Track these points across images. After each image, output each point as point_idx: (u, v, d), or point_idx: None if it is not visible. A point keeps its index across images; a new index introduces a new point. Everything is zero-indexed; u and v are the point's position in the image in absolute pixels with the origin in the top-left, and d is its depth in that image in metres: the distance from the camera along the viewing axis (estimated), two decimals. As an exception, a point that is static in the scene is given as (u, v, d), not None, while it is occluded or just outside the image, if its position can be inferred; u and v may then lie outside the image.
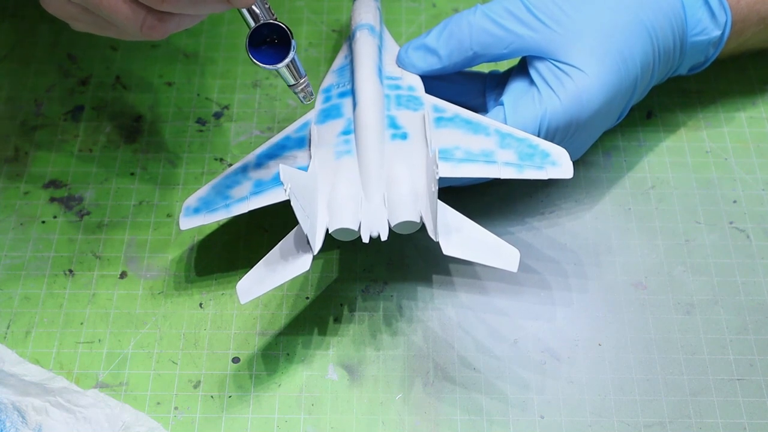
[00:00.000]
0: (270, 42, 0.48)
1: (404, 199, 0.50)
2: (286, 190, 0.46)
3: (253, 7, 0.47)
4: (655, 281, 0.55)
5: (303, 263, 0.49)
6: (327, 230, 0.50)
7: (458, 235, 0.50)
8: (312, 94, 0.51)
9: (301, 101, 0.51)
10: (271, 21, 0.47)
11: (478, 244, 0.49)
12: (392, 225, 0.49)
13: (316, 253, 0.49)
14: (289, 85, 0.50)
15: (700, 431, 0.50)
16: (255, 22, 0.47)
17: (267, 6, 0.47)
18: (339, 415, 0.51)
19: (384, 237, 0.49)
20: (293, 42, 0.47)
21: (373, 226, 0.50)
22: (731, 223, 0.58)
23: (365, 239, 0.49)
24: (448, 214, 0.50)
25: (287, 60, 0.48)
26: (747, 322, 0.54)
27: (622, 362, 0.52)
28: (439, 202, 0.49)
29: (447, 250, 0.49)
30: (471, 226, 0.50)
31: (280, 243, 0.50)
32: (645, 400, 0.51)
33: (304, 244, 0.49)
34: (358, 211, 0.50)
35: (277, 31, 0.47)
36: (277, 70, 0.49)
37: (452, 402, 0.51)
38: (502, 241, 0.49)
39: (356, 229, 0.49)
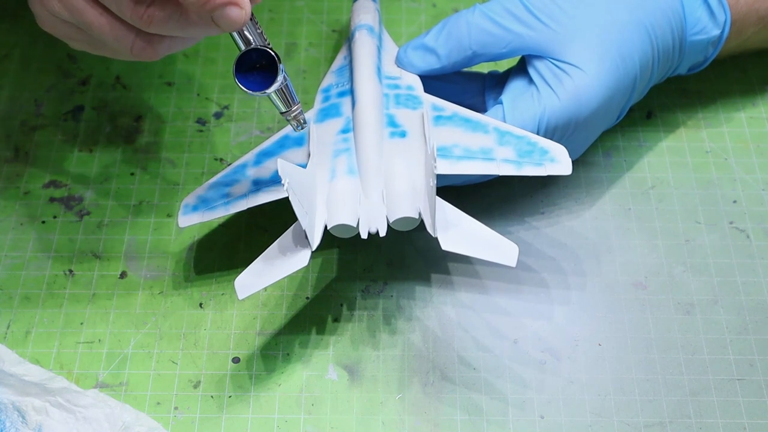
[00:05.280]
0: (260, 68, 0.46)
1: (402, 195, 0.50)
2: (284, 185, 0.46)
3: (245, 31, 0.46)
4: (655, 281, 0.55)
5: (301, 259, 0.49)
6: (325, 226, 0.50)
7: (457, 230, 0.50)
8: (305, 122, 0.50)
9: (293, 128, 0.50)
10: (260, 46, 0.46)
11: (476, 239, 0.49)
12: (391, 221, 0.49)
13: (314, 248, 0.49)
14: (281, 112, 0.49)
15: (700, 431, 0.50)
16: (246, 45, 0.46)
17: (259, 31, 0.46)
18: (339, 415, 0.51)
19: (383, 233, 0.49)
20: (281, 67, 0.46)
21: (372, 222, 0.50)
22: (731, 223, 0.58)
23: (363, 235, 0.49)
24: (447, 210, 0.50)
25: (273, 87, 0.46)
26: (747, 322, 0.54)
27: (622, 362, 0.52)
28: (438, 198, 0.49)
29: (445, 245, 0.49)
30: (469, 221, 0.50)
31: (278, 239, 0.50)
32: (645, 400, 0.51)
33: (303, 239, 0.49)
34: (357, 208, 0.50)
35: (266, 57, 0.46)
36: (267, 96, 0.47)
37: (452, 402, 0.51)
38: (501, 236, 0.49)
39: (355, 225, 0.49)
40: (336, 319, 0.54)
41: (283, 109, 0.49)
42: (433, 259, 0.56)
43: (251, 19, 0.46)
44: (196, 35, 0.47)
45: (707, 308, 0.54)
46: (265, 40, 0.47)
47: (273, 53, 0.46)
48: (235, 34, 0.46)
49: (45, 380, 0.51)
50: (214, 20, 0.44)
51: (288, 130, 0.55)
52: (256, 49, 0.46)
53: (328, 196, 0.50)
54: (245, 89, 0.46)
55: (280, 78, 0.46)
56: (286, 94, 0.48)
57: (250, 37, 0.46)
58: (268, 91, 0.46)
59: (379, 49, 0.58)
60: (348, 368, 0.52)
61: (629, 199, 0.59)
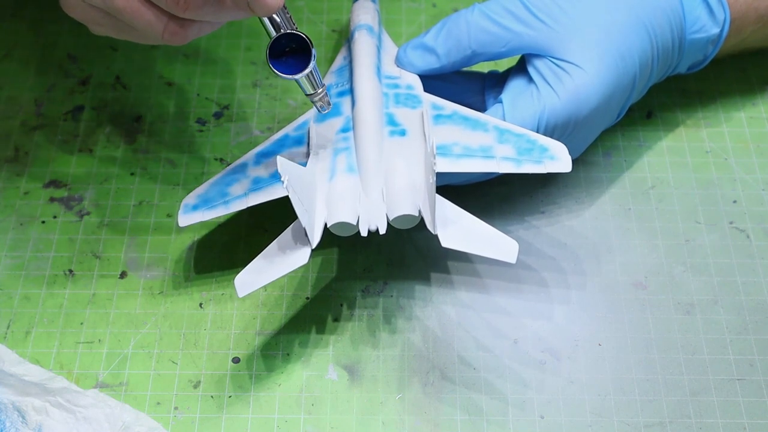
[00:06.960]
0: (289, 52, 0.48)
1: (402, 193, 0.50)
2: (284, 182, 0.46)
3: (275, 15, 0.47)
4: (655, 281, 0.55)
5: (301, 256, 0.49)
6: (325, 224, 0.50)
7: (456, 227, 0.50)
8: (330, 104, 0.51)
9: (318, 110, 0.51)
10: (291, 31, 0.47)
11: (476, 236, 0.49)
12: (390, 219, 0.49)
13: (314, 246, 0.49)
14: (307, 95, 0.50)
15: (700, 431, 0.50)
16: (276, 31, 0.47)
17: (288, 15, 0.47)
18: (339, 415, 0.51)
19: (383, 231, 0.49)
20: (313, 51, 0.47)
21: (372, 220, 0.50)
22: (731, 223, 0.58)
23: (363, 233, 0.49)
24: (447, 207, 0.50)
25: (307, 71, 0.48)
26: (747, 322, 0.54)
27: (622, 362, 0.52)
28: (438, 195, 0.49)
29: (445, 242, 0.49)
30: (469, 218, 0.50)
31: (278, 237, 0.50)
32: (645, 400, 0.51)
33: (303, 237, 0.49)
34: (357, 206, 0.50)
35: (297, 41, 0.47)
36: (296, 80, 0.48)
37: (452, 402, 0.51)
38: (501, 233, 0.49)
39: (355, 222, 0.49)
40: (336, 319, 0.54)
41: (311, 92, 0.49)
42: (433, 259, 0.56)
43: None
44: (228, 20, 0.48)
45: (707, 308, 0.54)
46: (293, 24, 0.47)
47: (305, 37, 0.47)
48: (266, 19, 0.47)
49: (45, 380, 0.51)
50: (250, 6, 0.45)
51: (288, 129, 0.56)
52: (287, 34, 0.47)
53: (328, 194, 0.50)
54: (280, 74, 0.47)
55: (313, 61, 0.47)
56: (313, 78, 0.49)
57: (280, 22, 0.47)
58: (302, 74, 0.48)
59: (378, 48, 0.58)
60: (348, 368, 0.52)
61: (629, 199, 0.59)
